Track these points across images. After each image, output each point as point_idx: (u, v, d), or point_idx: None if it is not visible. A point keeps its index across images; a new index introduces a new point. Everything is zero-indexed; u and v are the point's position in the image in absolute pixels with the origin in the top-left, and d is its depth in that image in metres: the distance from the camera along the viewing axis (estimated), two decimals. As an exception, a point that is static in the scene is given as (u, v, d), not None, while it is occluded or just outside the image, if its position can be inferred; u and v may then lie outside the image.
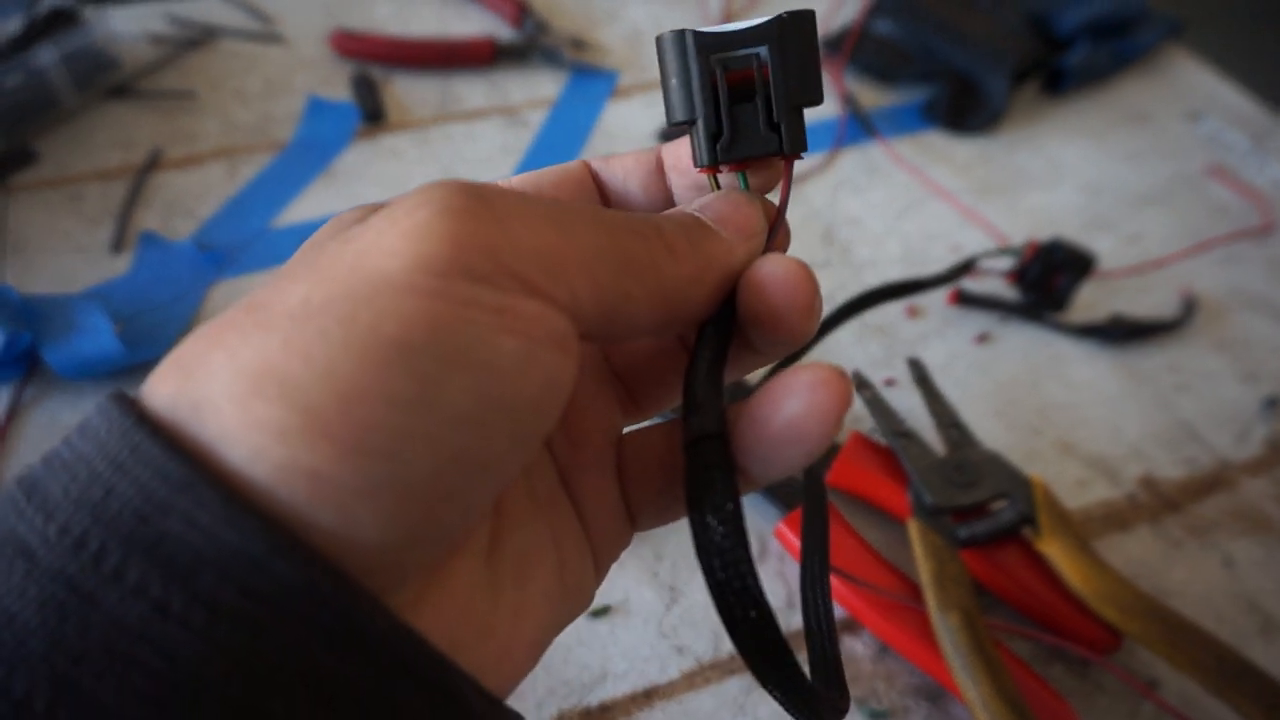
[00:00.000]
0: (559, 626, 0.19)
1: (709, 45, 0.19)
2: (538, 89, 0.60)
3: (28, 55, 0.50)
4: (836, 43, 0.65)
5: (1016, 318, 0.49)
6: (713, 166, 0.19)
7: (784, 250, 0.20)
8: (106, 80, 0.55)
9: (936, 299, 0.49)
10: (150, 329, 0.44)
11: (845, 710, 0.19)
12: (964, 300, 0.49)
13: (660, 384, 0.21)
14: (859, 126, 0.60)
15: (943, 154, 0.59)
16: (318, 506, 0.13)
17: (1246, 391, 0.47)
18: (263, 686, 0.13)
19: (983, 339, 0.48)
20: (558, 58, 0.62)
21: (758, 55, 0.19)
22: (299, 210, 0.51)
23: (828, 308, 0.48)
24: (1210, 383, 0.47)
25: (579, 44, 0.63)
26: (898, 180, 0.57)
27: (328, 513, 0.13)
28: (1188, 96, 0.66)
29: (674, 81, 0.19)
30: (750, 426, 0.17)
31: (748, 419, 0.17)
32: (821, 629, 0.20)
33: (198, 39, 0.60)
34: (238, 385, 0.13)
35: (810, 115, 0.62)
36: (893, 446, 0.39)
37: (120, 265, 0.47)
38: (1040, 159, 0.60)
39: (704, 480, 0.16)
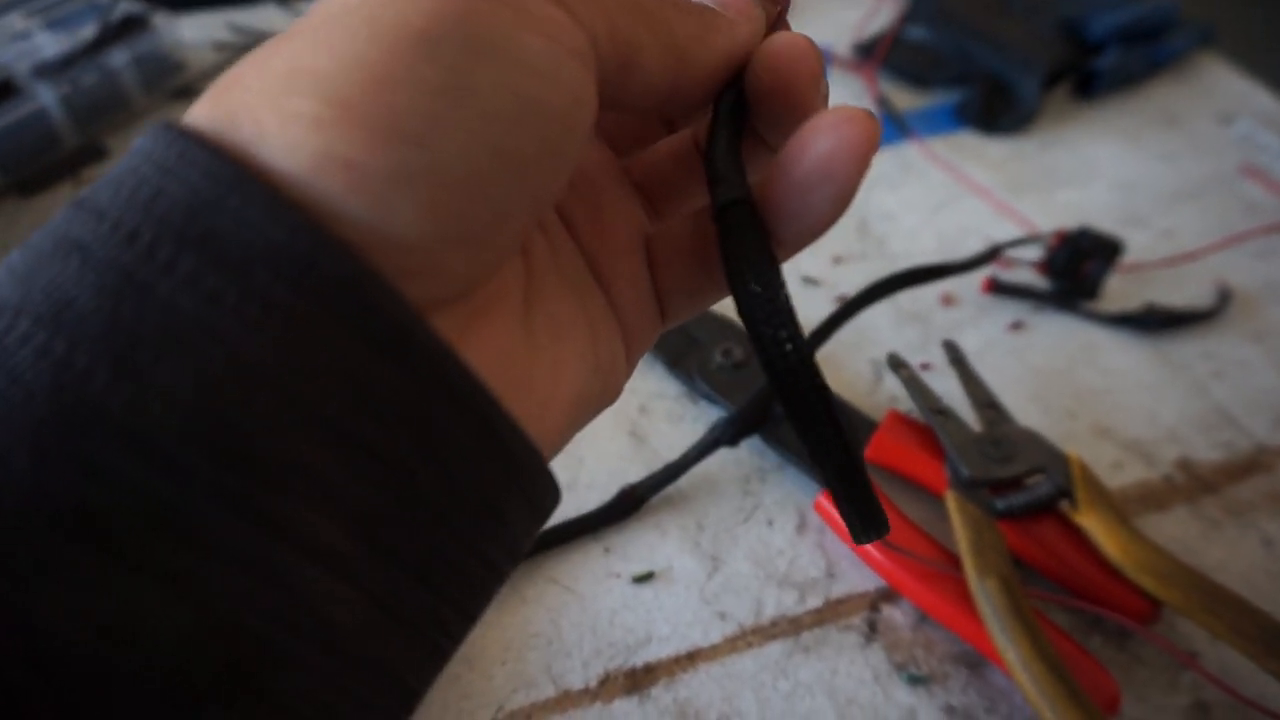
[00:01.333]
0: (592, 405, 0.19)
1: None
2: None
3: (102, 57, 0.53)
4: (870, 48, 0.66)
5: (1050, 306, 0.50)
6: None
7: None
8: (173, 83, 0.58)
9: (971, 289, 0.50)
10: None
11: (887, 526, 0.18)
12: (997, 289, 0.50)
13: (680, 194, 0.22)
14: (893, 127, 0.61)
15: (976, 153, 0.60)
16: (354, 196, 0.13)
17: (1283, 379, 0.47)
18: (315, 383, 0.13)
19: (1017, 327, 0.49)
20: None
21: None
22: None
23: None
24: (1246, 371, 0.48)
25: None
26: (932, 177, 0.58)
27: (364, 202, 0.13)
28: (1220, 100, 0.67)
29: None
30: (778, 178, 0.17)
31: (775, 172, 0.17)
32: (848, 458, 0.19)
33: (257, 45, 0.63)
34: (270, 86, 0.14)
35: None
36: (930, 423, 0.40)
37: (185, 252, 0.49)
38: (1073, 158, 0.61)
39: (738, 244, 0.16)
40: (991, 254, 0.48)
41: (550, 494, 0.17)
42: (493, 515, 0.16)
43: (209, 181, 0.13)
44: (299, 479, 0.13)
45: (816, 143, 0.17)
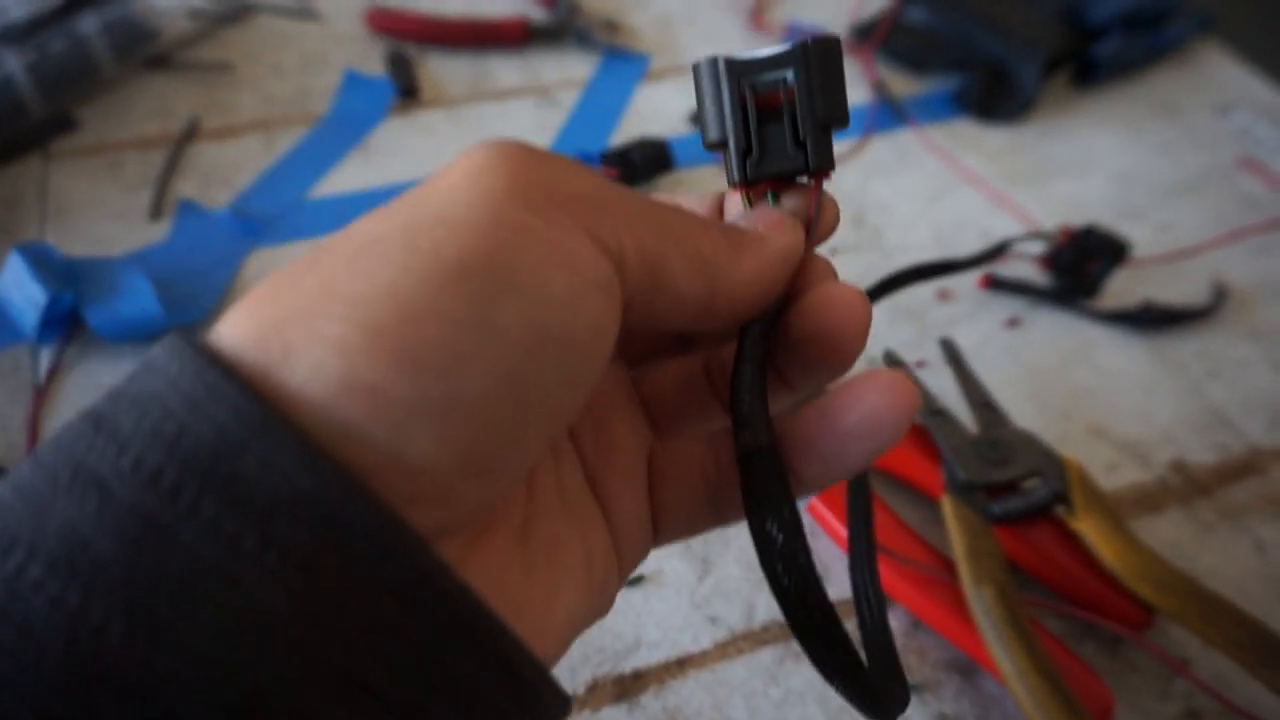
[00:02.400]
0: (584, 623, 0.19)
1: (739, 70, 0.20)
2: (570, 70, 0.61)
3: (70, 23, 0.51)
4: (868, 30, 0.65)
5: (1047, 303, 0.49)
6: (744, 184, 0.20)
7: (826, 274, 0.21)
8: (146, 51, 0.56)
9: (967, 283, 0.49)
10: (187, 295, 0.44)
11: (906, 702, 0.19)
12: (995, 285, 0.49)
13: (684, 418, 0.22)
14: (890, 113, 0.60)
15: (974, 141, 0.59)
16: (374, 422, 0.13)
17: (1278, 380, 0.47)
18: (328, 632, 0.13)
19: (1013, 323, 0.48)
20: (590, 39, 0.62)
21: (784, 79, 0.19)
22: (334, 182, 0.51)
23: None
24: (1241, 370, 0.47)
25: (611, 26, 0.63)
26: (929, 166, 0.57)
27: (383, 429, 0.13)
28: (1218, 90, 0.66)
29: (709, 104, 0.20)
30: (818, 423, 0.18)
31: (816, 417, 0.18)
32: (873, 616, 0.21)
33: (235, 14, 0.61)
34: (302, 306, 0.14)
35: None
36: (926, 424, 0.39)
37: (158, 232, 0.47)
38: (1071, 148, 0.60)
39: (761, 490, 0.17)
40: (999, 249, 0.47)
41: (562, 708, 0.17)
42: None
43: (236, 422, 0.13)
44: None
45: (868, 398, 0.17)
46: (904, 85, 0.63)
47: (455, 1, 0.65)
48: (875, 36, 0.64)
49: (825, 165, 0.20)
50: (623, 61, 0.62)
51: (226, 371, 0.13)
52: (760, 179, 0.20)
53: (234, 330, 0.14)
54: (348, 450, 0.13)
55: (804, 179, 0.21)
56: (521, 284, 0.14)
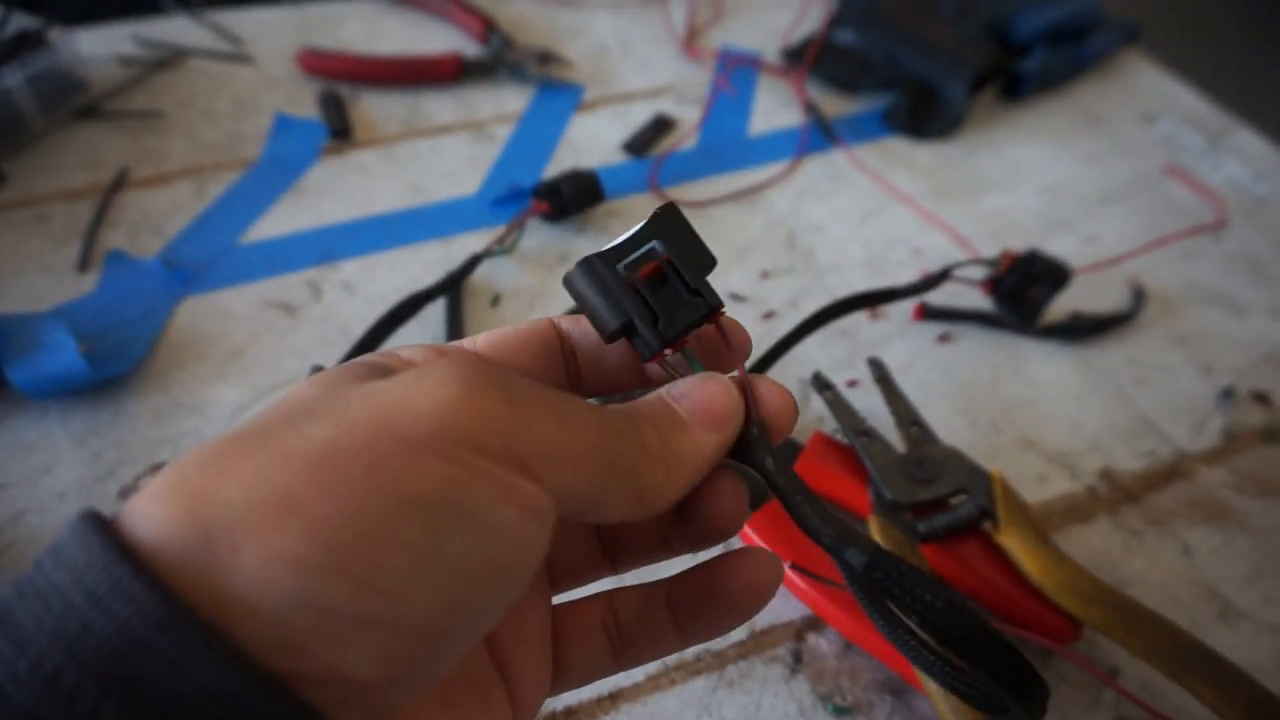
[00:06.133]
0: None
1: (613, 259, 0.22)
2: (504, 104, 0.61)
3: (-8, 78, 0.51)
4: (798, 53, 0.66)
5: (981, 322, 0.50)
6: (661, 351, 0.21)
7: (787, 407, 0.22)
8: (74, 101, 0.56)
9: (899, 302, 0.50)
10: (116, 345, 0.44)
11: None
12: (929, 314, 0.49)
13: (577, 573, 0.24)
14: (821, 135, 0.61)
15: (904, 159, 0.60)
16: (320, 638, 0.14)
17: (1203, 383, 0.48)
18: None
19: (944, 339, 0.49)
20: (524, 73, 0.62)
21: (654, 248, 0.22)
22: (267, 226, 0.51)
23: (791, 314, 0.49)
24: (1168, 376, 0.48)
25: (545, 59, 0.63)
26: (860, 186, 0.58)
27: (329, 645, 0.14)
28: (1144, 99, 0.68)
29: (595, 300, 0.21)
30: (700, 590, 0.21)
31: (697, 588, 0.21)
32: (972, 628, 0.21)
33: (166, 60, 0.60)
34: (258, 517, 0.14)
35: (773, 124, 0.64)
36: (854, 445, 0.39)
37: (87, 284, 0.47)
38: (1000, 162, 0.61)
39: (908, 580, 0.20)
40: (941, 276, 0.47)
41: None
42: None
43: (140, 619, 0.13)
44: None
45: (743, 574, 0.21)
46: (835, 106, 0.63)
47: (388, 40, 0.65)
48: (805, 59, 0.65)
49: (719, 302, 0.22)
50: (557, 93, 0.62)
51: (135, 566, 0.13)
52: (676, 337, 0.21)
53: (159, 519, 0.14)
54: (283, 659, 0.14)
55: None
56: (473, 520, 0.15)
